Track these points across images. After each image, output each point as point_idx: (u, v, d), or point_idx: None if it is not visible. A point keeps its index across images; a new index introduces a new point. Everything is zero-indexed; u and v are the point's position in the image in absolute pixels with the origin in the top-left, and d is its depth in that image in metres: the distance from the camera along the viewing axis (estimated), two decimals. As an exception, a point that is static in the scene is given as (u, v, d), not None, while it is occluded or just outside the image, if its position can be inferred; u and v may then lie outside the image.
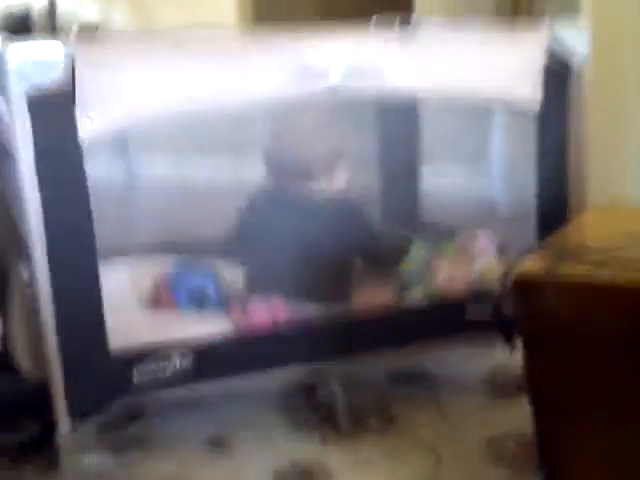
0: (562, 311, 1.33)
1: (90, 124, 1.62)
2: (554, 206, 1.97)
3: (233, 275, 2.08)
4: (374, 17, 2.34)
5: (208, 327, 1.84)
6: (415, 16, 2.35)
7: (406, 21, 2.33)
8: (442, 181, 2.40)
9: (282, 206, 2.01)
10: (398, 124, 2.35)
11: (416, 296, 2.05)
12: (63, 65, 1.58)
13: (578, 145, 1.98)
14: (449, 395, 2.06)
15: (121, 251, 2.11)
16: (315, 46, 1.75)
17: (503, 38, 1.89)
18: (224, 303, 1.98)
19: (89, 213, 1.66)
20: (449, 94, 1.88)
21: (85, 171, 1.64)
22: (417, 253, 2.22)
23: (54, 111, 1.60)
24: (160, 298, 2.00)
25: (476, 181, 2.37)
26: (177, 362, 1.76)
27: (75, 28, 1.65)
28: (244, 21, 3.93)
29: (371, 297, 2.01)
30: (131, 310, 1.88)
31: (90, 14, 4.40)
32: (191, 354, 1.76)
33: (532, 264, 1.40)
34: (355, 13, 2.38)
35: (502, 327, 1.49)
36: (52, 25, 4.40)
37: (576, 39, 1.93)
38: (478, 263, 2.09)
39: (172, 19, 4.15)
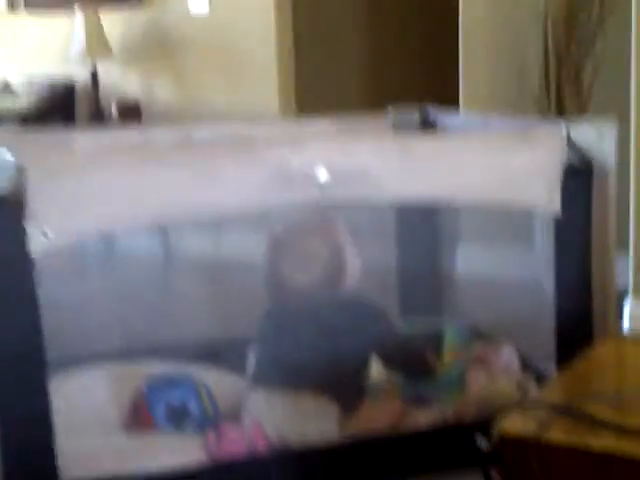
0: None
1: (43, 239, 1.47)
2: (575, 323, 1.75)
3: (222, 383, 1.91)
4: (389, 111, 2.20)
5: (178, 456, 1.65)
6: (432, 110, 2.16)
7: (424, 115, 2.18)
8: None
9: (294, 312, 1.87)
10: (417, 224, 2.18)
11: (442, 412, 1.84)
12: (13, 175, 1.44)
13: (603, 254, 1.76)
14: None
15: (88, 359, 1.94)
16: (298, 153, 1.58)
17: (513, 141, 1.70)
18: (206, 421, 1.80)
19: (38, 329, 1.51)
20: (452, 201, 1.70)
21: (35, 286, 1.48)
22: (452, 342, 2.04)
23: (3, 223, 1.46)
24: (137, 416, 1.82)
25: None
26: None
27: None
28: (286, 103, 3.80)
29: (380, 411, 1.82)
30: (94, 434, 1.70)
31: (132, 89, 4.32)
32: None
33: (519, 419, 1.19)
34: (400, 99, 2.24)
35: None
36: (95, 99, 4.33)
37: (600, 141, 1.72)
38: (496, 381, 1.87)
39: (214, 96, 4.05)
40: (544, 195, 1.71)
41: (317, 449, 1.70)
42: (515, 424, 1.18)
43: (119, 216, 1.53)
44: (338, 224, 1.91)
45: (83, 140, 2.02)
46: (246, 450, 1.67)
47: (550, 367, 1.79)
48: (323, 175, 1.58)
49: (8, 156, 1.45)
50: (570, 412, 1.18)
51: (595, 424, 1.15)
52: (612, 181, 1.74)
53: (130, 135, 2.11)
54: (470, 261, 2.22)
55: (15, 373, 1.50)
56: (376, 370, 1.86)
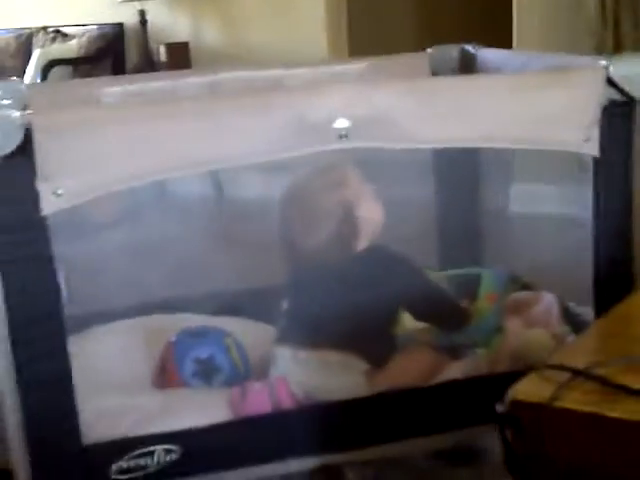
0: (563, 450, 1.05)
1: (55, 198, 1.42)
2: (614, 272, 1.66)
3: (254, 334, 1.88)
4: (429, 50, 2.11)
5: (204, 413, 1.61)
6: (476, 47, 2.06)
7: (465, 54, 2.08)
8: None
9: (312, 271, 1.79)
10: (456, 169, 2.09)
11: (477, 361, 1.78)
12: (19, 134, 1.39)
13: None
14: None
15: (111, 316, 1.91)
16: (313, 100, 1.50)
17: (548, 79, 1.60)
18: (236, 376, 1.76)
19: (56, 289, 1.47)
20: (483, 144, 1.61)
21: (50, 247, 1.45)
22: (488, 288, 1.97)
23: (12, 184, 1.42)
24: (164, 372, 1.79)
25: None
26: (162, 457, 1.55)
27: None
28: (334, 42, 3.71)
29: (414, 362, 1.76)
30: (118, 393, 1.67)
31: (180, 31, 4.26)
32: (180, 448, 1.55)
33: (535, 382, 1.12)
34: (452, 40, 2.15)
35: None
36: (144, 43, 4.29)
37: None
38: (533, 330, 1.80)
39: (262, 37, 3.98)
40: (581, 135, 1.61)
41: (344, 405, 1.65)
42: (530, 387, 1.11)
43: (132, 172, 1.48)
44: (350, 172, 1.79)
45: (107, 90, 1.99)
46: (271, 406, 1.63)
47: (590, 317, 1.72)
48: (342, 123, 1.51)
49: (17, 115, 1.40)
50: (589, 376, 1.11)
51: (615, 389, 1.08)
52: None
53: (160, 83, 2.05)
54: (511, 203, 2.13)
55: (33, 334, 1.47)
56: (406, 321, 1.81)
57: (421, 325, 1.83)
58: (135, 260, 2.13)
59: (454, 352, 1.81)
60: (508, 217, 2.10)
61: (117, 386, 1.67)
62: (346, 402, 1.66)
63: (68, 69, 4.18)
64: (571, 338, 1.77)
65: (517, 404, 1.08)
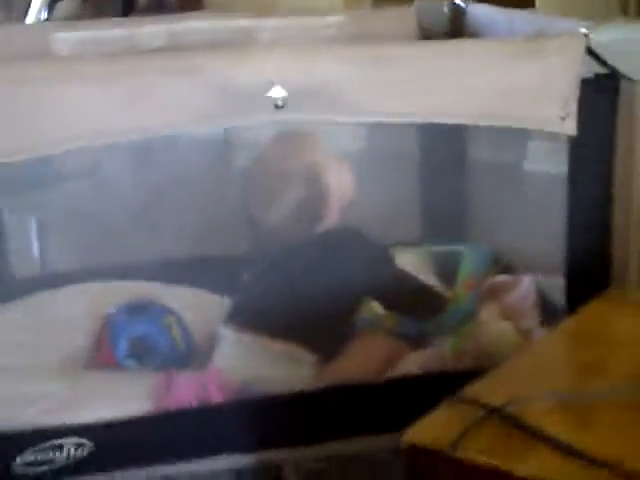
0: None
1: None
2: (588, 268, 1.48)
3: (207, 309, 1.72)
4: (417, 3, 1.92)
5: (121, 403, 1.47)
6: (467, 1, 1.86)
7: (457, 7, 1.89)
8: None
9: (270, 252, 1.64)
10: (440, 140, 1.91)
11: (439, 355, 1.62)
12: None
13: (627, 184, 1.47)
14: None
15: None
16: (244, 66, 1.33)
17: (520, 48, 1.40)
18: (176, 355, 1.62)
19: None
20: (444, 119, 1.43)
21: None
22: (468, 271, 1.79)
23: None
24: (99, 350, 1.65)
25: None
26: (72, 452, 1.41)
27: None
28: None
29: (367, 353, 1.60)
30: (20, 378, 1.53)
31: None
32: (92, 442, 1.42)
33: (439, 420, 0.95)
34: None
35: None
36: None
37: (630, 50, 1.41)
38: (495, 325, 1.62)
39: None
40: (556, 112, 1.42)
41: (285, 399, 1.50)
42: (432, 427, 0.94)
43: (43, 139, 1.32)
44: (316, 140, 1.62)
45: (59, 36, 1.83)
46: (198, 400, 1.48)
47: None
48: (278, 92, 1.33)
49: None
50: (504, 416, 0.94)
51: (534, 435, 0.91)
52: (641, 97, 1.44)
53: (117, 31, 1.88)
54: (492, 183, 1.94)
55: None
56: (368, 309, 1.64)
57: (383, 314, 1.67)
58: (86, 218, 1.98)
59: (417, 342, 1.65)
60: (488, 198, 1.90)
61: (20, 369, 1.53)
62: (288, 396, 1.51)
63: (76, 3, 4.00)
64: (539, 332, 1.60)
65: (413, 448, 0.92)
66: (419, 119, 1.43)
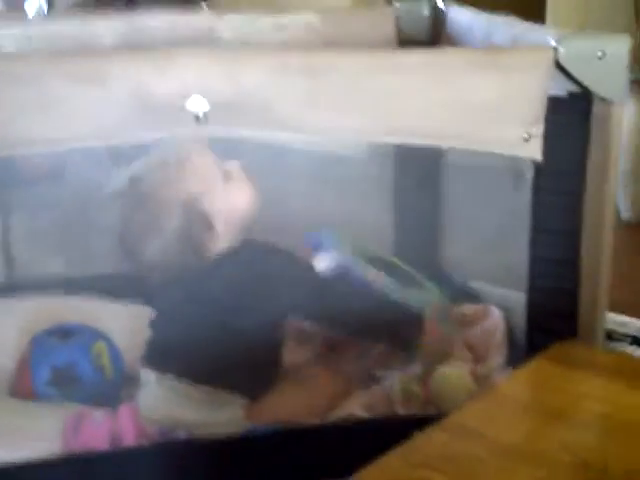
0: None
1: None
2: (554, 307, 1.31)
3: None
4: (396, 4, 1.76)
5: (30, 443, 1.33)
6: (446, 3, 1.70)
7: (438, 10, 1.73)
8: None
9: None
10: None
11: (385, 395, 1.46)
12: None
13: (599, 218, 1.30)
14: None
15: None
16: (162, 75, 1.17)
17: (479, 61, 1.23)
18: (103, 386, 1.48)
19: None
20: (388, 138, 1.27)
21: None
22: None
23: None
24: (19, 376, 1.51)
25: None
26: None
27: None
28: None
29: (302, 393, 1.44)
30: None
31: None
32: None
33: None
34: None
35: None
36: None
37: (605, 64, 1.24)
38: (446, 368, 1.45)
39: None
40: (519, 133, 1.25)
41: (212, 444, 1.35)
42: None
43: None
44: (195, 153, 1.42)
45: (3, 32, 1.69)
46: (110, 442, 1.33)
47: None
48: (198, 103, 1.18)
49: None
50: None
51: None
52: (618, 119, 1.27)
53: (67, 27, 1.73)
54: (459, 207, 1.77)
55: None
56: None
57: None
58: (23, 227, 1.84)
59: (368, 380, 1.49)
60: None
61: None
62: (214, 441, 1.36)
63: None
64: (499, 375, 1.43)
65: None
66: (357, 137, 1.27)
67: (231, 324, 1.35)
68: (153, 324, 1.42)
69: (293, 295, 1.39)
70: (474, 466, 0.85)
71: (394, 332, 1.48)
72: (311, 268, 1.48)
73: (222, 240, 1.40)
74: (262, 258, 1.40)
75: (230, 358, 1.35)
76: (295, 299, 1.39)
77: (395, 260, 1.69)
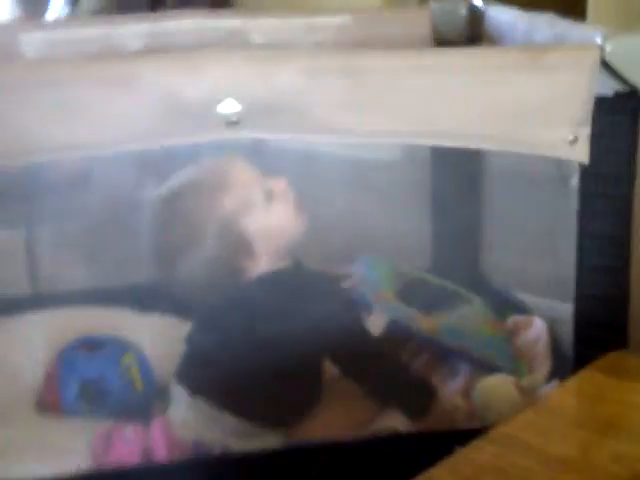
0: None
1: None
2: (602, 317, 1.26)
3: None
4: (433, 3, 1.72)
5: (55, 459, 1.29)
6: (486, 2, 1.66)
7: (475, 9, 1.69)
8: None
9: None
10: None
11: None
12: None
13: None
14: None
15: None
16: (194, 75, 1.13)
17: (522, 60, 1.18)
18: (134, 399, 1.44)
19: None
20: (427, 141, 1.22)
21: None
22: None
23: None
24: (47, 391, 1.47)
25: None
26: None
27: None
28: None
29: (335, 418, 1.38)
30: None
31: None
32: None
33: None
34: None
35: None
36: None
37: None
38: (490, 379, 1.40)
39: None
40: (565, 135, 1.20)
41: (246, 459, 1.31)
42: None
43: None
44: (238, 167, 1.37)
45: (27, 36, 1.66)
46: (141, 456, 1.29)
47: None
48: (231, 106, 1.14)
49: None
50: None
51: None
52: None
53: (92, 30, 1.70)
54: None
55: None
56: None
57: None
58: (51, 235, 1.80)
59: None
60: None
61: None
62: (247, 456, 1.31)
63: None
64: (543, 389, 1.38)
65: None
66: (400, 140, 1.23)
67: (267, 351, 1.30)
68: (189, 339, 1.37)
69: (326, 335, 1.33)
70: (525, 478, 0.81)
71: None
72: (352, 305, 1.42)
73: (263, 263, 1.35)
74: (307, 284, 1.35)
75: (263, 389, 1.31)
76: (328, 340, 1.33)
77: (434, 278, 1.63)
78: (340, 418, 1.37)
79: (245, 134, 1.16)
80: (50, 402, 1.45)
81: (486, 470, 0.83)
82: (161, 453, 1.29)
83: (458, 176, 1.74)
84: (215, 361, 1.32)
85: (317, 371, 1.36)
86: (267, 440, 1.33)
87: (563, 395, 1.01)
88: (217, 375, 1.32)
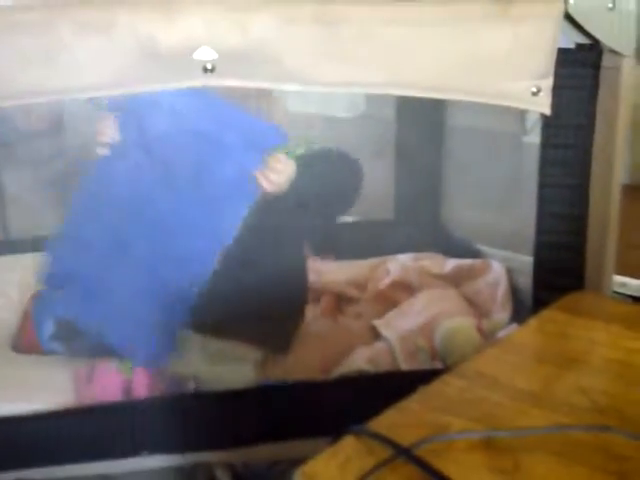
0: None
1: None
2: (560, 263, 1.31)
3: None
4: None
5: (42, 394, 1.33)
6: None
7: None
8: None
9: None
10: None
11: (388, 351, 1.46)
12: None
13: (607, 172, 1.30)
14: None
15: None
16: (171, 22, 1.16)
17: (486, 12, 1.22)
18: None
19: None
20: (396, 91, 1.26)
21: None
22: None
23: None
24: (23, 331, 1.51)
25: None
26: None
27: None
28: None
29: (314, 350, 1.44)
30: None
31: None
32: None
33: (334, 460, 0.80)
34: None
35: None
36: None
37: (613, 17, 1.23)
38: (450, 321, 1.46)
39: None
40: (528, 86, 1.24)
41: (221, 397, 1.35)
42: (329, 466, 0.79)
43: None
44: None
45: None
46: (123, 392, 1.33)
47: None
48: (206, 54, 1.16)
49: None
50: (414, 457, 0.78)
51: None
52: (627, 71, 1.26)
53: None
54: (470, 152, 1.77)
55: None
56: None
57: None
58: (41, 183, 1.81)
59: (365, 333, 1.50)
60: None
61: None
62: (222, 394, 1.36)
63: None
64: (503, 332, 1.44)
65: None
66: (370, 90, 1.26)
67: (260, 280, 1.34)
68: None
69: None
70: (493, 410, 0.86)
71: None
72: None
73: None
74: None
75: (256, 308, 1.35)
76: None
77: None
78: (313, 359, 1.41)
79: (221, 82, 1.18)
80: (28, 342, 1.48)
81: (455, 402, 0.88)
82: (141, 389, 1.33)
83: (421, 130, 1.78)
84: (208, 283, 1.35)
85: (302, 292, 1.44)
86: (240, 379, 1.37)
87: (527, 333, 1.06)
88: (208, 298, 1.35)
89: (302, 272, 1.46)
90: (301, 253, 1.46)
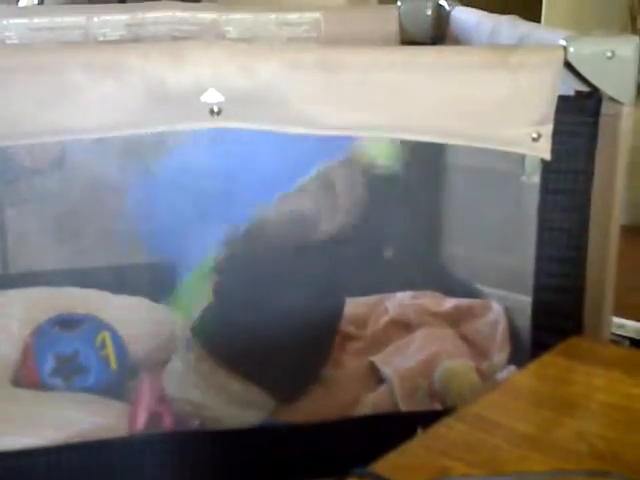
0: None
1: None
2: (559, 305, 1.33)
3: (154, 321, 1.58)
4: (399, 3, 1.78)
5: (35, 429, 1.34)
6: (451, 3, 1.73)
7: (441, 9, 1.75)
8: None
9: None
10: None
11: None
12: None
13: (606, 218, 1.32)
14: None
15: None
16: (179, 64, 1.18)
17: (488, 59, 1.25)
18: (107, 376, 1.48)
19: None
20: (399, 135, 1.29)
21: None
22: None
23: None
24: (24, 366, 1.52)
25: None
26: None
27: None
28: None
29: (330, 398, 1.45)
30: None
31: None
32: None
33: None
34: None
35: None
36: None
37: (614, 65, 1.26)
38: (449, 362, 1.47)
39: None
40: (528, 132, 1.27)
41: (222, 435, 1.36)
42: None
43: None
44: None
45: (8, 22, 1.70)
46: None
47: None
48: (213, 96, 1.19)
49: None
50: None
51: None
52: (626, 118, 1.29)
53: (72, 18, 1.74)
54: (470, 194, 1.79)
55: None
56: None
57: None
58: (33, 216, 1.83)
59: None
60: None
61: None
62: (224, 432, 1.37)
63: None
64: (501, 374, 1.45)
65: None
66: (371, 133, 1.28)
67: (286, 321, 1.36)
68: (216, 290, 1.42)
69: None
70: (494, 454, 0.87)
71: None
72: None
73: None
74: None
75: (277, 355, 1.37)
76: None
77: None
78: (327, 407, 1.42)
79: (227, 124, 1.21)
80: (28, 377, 1.49)
81: (457, 446, 0.89)
82: (140, 423, 1.34)
83: (422, 169, 1.80)
84: (235, 316, 1.36)
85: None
86: (249, 415, 1.39)
87: (526, 377, 1.07)
88: (234, 331, 1.36)
89: (337, 320, 1.48)
90: (342, 300, 1.48)
